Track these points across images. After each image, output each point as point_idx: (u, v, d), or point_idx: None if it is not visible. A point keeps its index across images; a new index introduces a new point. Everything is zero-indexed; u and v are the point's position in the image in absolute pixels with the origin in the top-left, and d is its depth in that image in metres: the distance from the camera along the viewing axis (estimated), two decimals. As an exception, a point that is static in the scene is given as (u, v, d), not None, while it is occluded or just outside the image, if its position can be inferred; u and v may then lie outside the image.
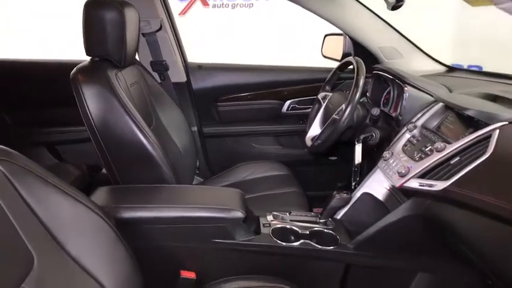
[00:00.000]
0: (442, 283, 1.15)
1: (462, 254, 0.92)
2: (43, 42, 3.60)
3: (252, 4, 4.22)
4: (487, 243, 0.82)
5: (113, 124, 1.17)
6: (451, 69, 1.67)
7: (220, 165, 1.87)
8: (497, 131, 0.90)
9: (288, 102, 1.93)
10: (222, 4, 4.28)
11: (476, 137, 0.94)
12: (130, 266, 0.85)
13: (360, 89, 1.26)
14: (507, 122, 0.91)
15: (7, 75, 1.92)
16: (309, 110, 1.77)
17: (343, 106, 1.32)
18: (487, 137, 0.91)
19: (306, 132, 1.58)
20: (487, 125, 0.94)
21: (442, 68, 1.67)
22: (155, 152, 1.21)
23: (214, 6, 4.29)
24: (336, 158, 1.94)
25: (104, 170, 1.85)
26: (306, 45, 3.38)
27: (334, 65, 1.76)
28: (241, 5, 4.26)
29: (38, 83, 1.92)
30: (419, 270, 1.15)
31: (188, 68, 1.88)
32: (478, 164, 0.87)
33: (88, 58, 1.28)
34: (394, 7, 1.11)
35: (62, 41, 2.63)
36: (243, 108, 1.95)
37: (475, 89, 1.23)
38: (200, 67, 1.91)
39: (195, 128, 1.89)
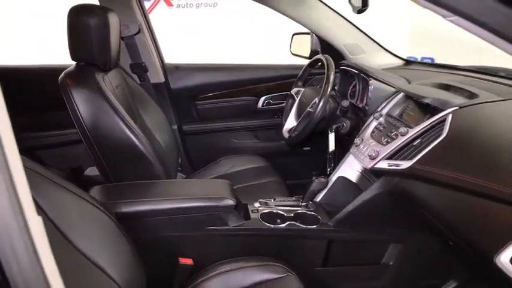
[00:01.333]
0: (411, 252, 1.30)
1: (428, 223, 1.07)
2: (43, 43, 3.50)
3: (217, 3, 4.28)
4: (449, 210, 0.96)
5: (104, 125, 1.23)
6: (408, 62, 1.84)
7: (201, 161, 1.95)
8: (450, 115, 1.05)
9: (262, 98, 2.04)
10: (187, 4, 4.31)
11: (433, 121, 1.09)
12: (133, 257, 0.92)
13: (330, 84, 1.39)
14: (458, 107, 1.07)
15: None
16: (283, 104, 1.89)
17: (316, 99, 1.45)
18: (442, 121, 1.06)
19: (282, 126, 1.70)
20: (442, 110, 1.10)
21: (400, 62, 1.84)
22: (146, 149, 1.28)
23: (178, 6, 4.31)
24: (309, 148, 2.07)
25: (86, 172, 1.89)
26: (270, 43, 3.50)
27: (302, 61, 1.89)
28: (206, 5, 4.30)
29: (15, 89, 1.91)
30: (392, 241, 1.29)
31: (166, 69, 1.95)
32: (436, 144, 1.02)
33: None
34: (360, 11, 1.25)
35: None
36: (221, 106, 2.04)
37: (430, 79, 1.40)
38: (177, 68, 1.98)
39: (175, 126, 1.97)
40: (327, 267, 1.29)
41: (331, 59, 1.47)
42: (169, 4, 4.29)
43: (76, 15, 1.24)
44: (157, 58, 1.90)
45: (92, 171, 1.86)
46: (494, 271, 0.77)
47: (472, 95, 1.15)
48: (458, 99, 1.13)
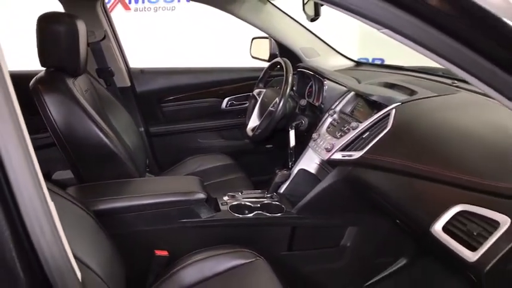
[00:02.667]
0: (366, 233, 1.45)
1: (378, 205, 1.22)
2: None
3: (175, 7, 4.31)
4: (394, 192, 1.10)
5: (77, 128, 1.28)
6: (358, 63, 2.02)
7: (168, 161, 2.02)
8: (394, 110, 1.21)
9: (226, 99, 2.14)
10: (144, 8, 4.30)
11: (379, 116, 1.25)
12: (112, 251, 0.99)
13: (289, 85, 1.52)
14: (400, 103, 1.23)
15: None
16: (246, 105, 2.01)
17: (277, 99, 1.57)
18: (387, 115, 1.22)
19: (245, 125, 1.81)
20: (386, 106, 1.26)
21: (351, 63, 2.01)
22: (118, 150, 1.34)
23: (136, 10, 4.29)
24: (272, 146, 2.19)
25: (53, 177, 1.91)
26: (228, 46, 3.60)
27: (261, 64, 2.01)
28: (164, 8, 4.32)
29: None
30: (349, 225, 1.44)
31: (131, 73, 2.00)
32: (382, 136, 1.18)
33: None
34: (313, 19, 1.38)
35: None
36: (186, 107, 2.12)
37: (377, 79, 1.56)
38: (142, 71, 2.04)
39: (141, 129, 2.02)
40: (292, 251, 1.41)
41: (289, 62, 1.60)
42: (127, 8, 4.27)
43: (45, 23, 1.28)
44: (122, 63, 1.95)
45: (59, 175, 1.87)
46: (432, 241, 0.91)
47: (412, 92, 1.32)
48: (401, 96, 1.30)
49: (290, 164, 1.60)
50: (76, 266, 0.51)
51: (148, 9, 4.29)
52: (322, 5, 1.28)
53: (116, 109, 1.69)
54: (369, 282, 1.51)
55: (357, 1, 0.54)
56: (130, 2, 4.18)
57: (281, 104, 1.51)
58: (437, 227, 0.89)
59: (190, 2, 1.73)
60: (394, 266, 1.50)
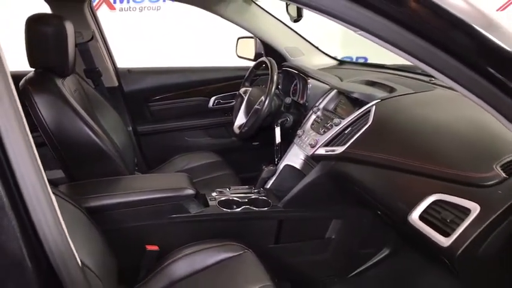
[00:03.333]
0: (350, 225, 1.51)
1: (360, 198, 1.27)
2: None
3: (160, 7, 4.32)
4: (375, 184, 1.16)
5: (67, 128, 1.31)
6: (341, 62, 2.08)
7: (156, 160, 2.05)
8: (374, 107, 1.27)
9: (213, 98, 2.18)
10: (129, 8, 4.30)
11: (360, 112, 1.31)
12: (105, 247, 1.02)
13: (274, 83, 1.57)
14: (380, 100, 1.29)
15: None
16: (232, 103, 2.05)
17: (263, 98, 1.62)
18: (368, 111, 1.28)
19: (232, 123, 1.86)
20: (367, 103, 1.32)
21: (334, 62, 2.07)
22: (107, 148, 1.37)
23: (121, 9, 4.29)
24: (258, 143, 2.24)
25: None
26: (213, 45, 3.63)
27: (247, 63, 2.06)
28: (149, 8, 4.32)
29: None
30: (333, 217, 1.49)
31: (119, 73, 2.02)
32: (363, 131, 1.24)
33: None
34: (296, 20, 1.43)
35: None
36: (173, 106, 2.15)
37: (359, 77, 1.62)
38: (129, 71, 2.06)
39: (130, 128, 2.04)
40: (279, 244, 1.46)
41: (274, 61, 1.65)
42: (112, 8, 4.26)
43: (34, 25, 1.30)
44: (110, 63, 1.97)
45: (50, 174, 1.88)
46: (410, 229, 0.97)
47: (392, 89, 1.38)
48: (381, 93, 1.36)
49: (276, 160, 1.65)
50: (75, 251, 0.55)
51: (134, 9, 4.29)
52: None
53: (104, 109, 1.71)
54: (353, 272, 1.57)
55: (326, 2, 0.57)
56: (115, 2, 4.17)
57: (267, 102, 1.56)
58: (414, 216, 0.95)
59: (176, 2, 1.75)
60: (377, 257, 1.57)
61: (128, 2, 4.21)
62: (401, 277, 1.53)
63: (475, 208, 0.84)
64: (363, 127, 1.25)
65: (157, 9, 4.32)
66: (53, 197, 0.52)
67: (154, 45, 4.09)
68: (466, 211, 0.85)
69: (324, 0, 0.57)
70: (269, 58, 1.68)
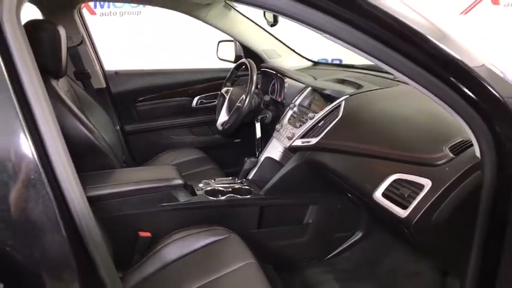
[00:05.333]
0: (325, 211, 1.65)
1: (333, 183, 1.41)
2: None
3: (140, 12, 4.39)
4: (345, 169, 1.29)
5: (63, 126, 1.38)
6: (316, 63, 2.23)
7: (143, 157, 2.14)
8: (344, 101, 1.42)
9: (196, 98, 2.30)
10: (110, 12, 4.35)
11: (331, 107, 1.45)
12: (101, 233, 1.12)
13: (254, 83, 1.70)
14: (349, 95, 1.44)
15: None
16: (215, 103, 2.17)
17: (243, 96, 1.75)
18: (338, 106, 1.43)
19: (215, 121, 1.98)
20: (338, 98, 1.46)
21: (309, 63, 2.23)
22: (100, 144, 1.47)
23: (102, 14, 4.34)
24: (239, 140, 2.36)
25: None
26: (193, 48, 3.74)
27: (227, 65, 2.19)
28: (130, 13, 4.39)
29: None
30: (310, 203, 1.63)
31: (106, 75, 2.12)
32: (334, 124, 1.38)
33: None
34: (272, 25, 1.57)
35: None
36: (159, 106, 2.26)
37: (331, 76, 1.77)
38: (117, 74, 2.16)
39: (117, 127, 2.14)
40: (261, 229, 1.58)
41: (253, 63, 1.78)
42: (92, 12, 4.31)
43: (31, 30, 1.38)
44: (98, 66, 2.06)
45: None
46: (375, 206, 1.11)
47: (359, 86, 1.54)
48: (349, 90, 1.51)
49: (257, 153, 1.78)
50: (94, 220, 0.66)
51: (114, 13, 4.35)
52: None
53: (94, 109, 1.80)
54: (330, 255, 1.72)
55: (273, 1, 0.66)
56: (95, 7, 4.21)
57: (247, 100, 1.69)
58: (378, 194, 1.10)
59: (160, 8, 1.86)
60: (351, 240, 1.72)
61: (109, 6, 4.26)
62: (372, 257, 1.68)
63: (427, 183, 0.99)
64: (334, 120, 1.40)
65: (138, 14, 4.39)
66: (76, 174, 0.64)
67: (135, 48, 4.15)
68: (420, 186, 1.00)
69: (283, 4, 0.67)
70: (249, 60, 1.81)
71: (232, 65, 2.10)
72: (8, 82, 0.59)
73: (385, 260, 1.64)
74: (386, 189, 1.08)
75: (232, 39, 2.14)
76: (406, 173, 1.05)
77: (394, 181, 1.07)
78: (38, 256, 0.61)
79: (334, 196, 1.61)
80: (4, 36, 0.60)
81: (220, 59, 2.29)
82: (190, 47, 3.92)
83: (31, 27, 1.38)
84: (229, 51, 2.19)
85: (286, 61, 2.14)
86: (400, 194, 1.05)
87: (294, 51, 2.22)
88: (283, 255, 1.66)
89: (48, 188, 0.60)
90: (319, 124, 1.46)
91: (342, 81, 1.67)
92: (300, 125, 1.55)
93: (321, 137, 1.39)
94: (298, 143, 1.50)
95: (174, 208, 1.43)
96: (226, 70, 2.25)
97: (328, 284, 1.62)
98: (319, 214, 1.64)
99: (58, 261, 0.63)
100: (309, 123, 1.49)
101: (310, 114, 1.52)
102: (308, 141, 1.45)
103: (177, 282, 1.19)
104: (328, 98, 1.55)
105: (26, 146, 0.59)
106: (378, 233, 1.72)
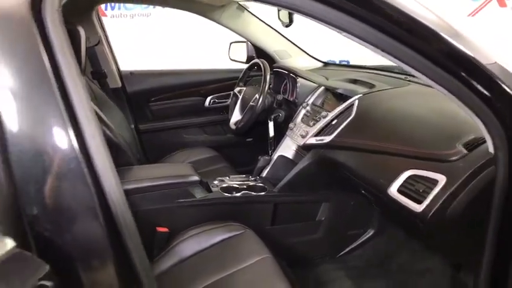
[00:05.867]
0: (338, 208, 1.67)
1: (347, 181, 1.43)
2: None
3: (150, 14, 4.44)
4: (359, 166, 1.32)
5: None
6: (326, 64, 2.26)
7: (157, 156, 2.18)
8: (357, 100, 1.45)
9: (209, 98, 2.34)
10: (120, 14, 4.42)
11: (345, 106, 1.48)
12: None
13: (267, 83, 1.74)
14: (362, 95, 1.47)
15: None
16: (227, 102, 2.21)
17: (257, 96, 1.78)
18: (351, 105, 1.45)
19: (227, 121, 2.02)
20: (350, 97, 1.49)
21: (320, 64, 2.26)
22: (119, 141, 1.50)
23: (112, 16, 4.40)
24: (251, 139, 2.40)
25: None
26: (202, 48, 3.78)
27: (238, 66, 2.22)
28: (140, 15, 4.44)
29: None
30: (323, 201, 1.65)
31: (122, 75, 2.16)
32: (348, 122, 1.41)
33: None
34: (287, 25, 1.60)
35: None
36: (172, 106, 2.30)
37: (342, 76, 1.80)
38: (132, 74, 2.21)
39: (132, 126, 2.18)
40: (275, 226, 1.61)
41: (266, 63, 1.82)
42: (103, 14, 4.37)
43: None
44: (114, 66, 2.11)
45: None
46: (390, 202, 1.14)
47: (371, 86, 1.56)
48: (362, 89, 1.54)
49: (270, 151, 1.81)
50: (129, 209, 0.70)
51: (125, 15, 4.41)
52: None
53: (110, 108, 1.84)
54: (342, 252, 1.74)
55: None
56: (106, 9, 4.27)
57: (261, 99, 1.72)
58: (393, 189, 1.12)
59: (176, 9, 1.90)
60: (363, 237, 1.74)
61: (119, 8, 4.32)
62: (384, 254, 1.70)
63: (442, 179, 1.01)
64: (347, 118, 1.42)
65: (148, 16, 4.44)
66: (112, 164, 0.67)
67: (145, 49, 4.20)
68: (435, 182, 1.02)
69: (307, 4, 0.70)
70: (262, 60, 1.85)
71: (244, 66, 2.14)
72: (52, 78, 0.62)
73: (397, 257, 1.66)
74: (402, 185, 1.11)
75: (244, 40, 2.18)
76: (420, 169, 1.08)
77: (409, 177, 1.10)
78: (76, 241, 0.65)
79: (346, 193, 1.64)
80: (47, 33, 0.63)
81: (231, 59, 2.32)
82: (199, 47, 3.97)
83: None
84: (240, 52, 2.23)
85: (297, 62, 2.17)
86: (415, 189, 1.07)
87: (304, 52, 2.25)
88: (296, 251, 1.69)
89: (88, 177, 0.63)
90: (333, 123, 1.49)
91: (354, 81, 1.70)
92: (314, 124, 1.58)
93: (335, 135, 1.42)
94: (312, 141, 1.52)
95: (190, 204, 1.46)
96: (237, 71, 2.29)
97: (340, 281, 1.64)
98: (332, 211, 1.66)
99: (96, 247, 0.67)
100: (323, 122, 1.52)
101: (324, 113, 1.55)
102: (322, 139, 1.48)
103: (195, 277, 1.22)
104: (341, 97, 1.58)
105: (67, 138, 0.62)
106: (389, 230, 1.74)
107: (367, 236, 1.75)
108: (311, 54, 2.26)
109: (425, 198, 1.03)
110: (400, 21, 0.69)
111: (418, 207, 1.04)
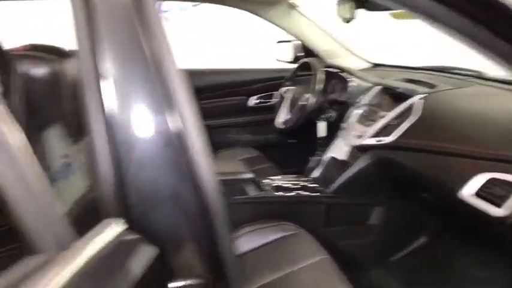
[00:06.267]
0: (392, 212, 1.61)
1: (406, 184, 1.38)
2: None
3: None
4: (425, 169, 1.26)
5: None
6: (375, 65, 2.20)
7: None
8: (422, 100, 1.39)
9: (252, 98, 2.32)
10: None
11: (406, 106, 1.43)
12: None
13: (320, 82, 1.70)
14: (425, 94, 1.41)
15: None
16: (270, 102, 2.20)
17: (307, 95, 1.75)
18: (413, 105, 1.40)
19: (272, 120, 1.99)
20: (411, 97, 1.44)
21: (369, 64, 2.20)
22: None
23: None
24: (295, 140, 2.36)
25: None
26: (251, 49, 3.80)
27: (281, 65, 2.21)
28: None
29: None
30: (377, 204, 1.60)
31: None
32: (412, 122, 1.35)
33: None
34: (348, 21, 1.55)
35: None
36: (215, 105, 2.29)
37: (397, 76, 1.75)
38: None
39: None
40: (326, 227, 1.57)
41: (318, 62, 1.78)
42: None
43: None
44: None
45: None
46: (460, 206, 1.08)
47: (432, 86, 1.50)
48: (423, 89, 1.48)
49: (319, 152, 1.77)
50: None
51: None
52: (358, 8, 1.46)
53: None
54: (394, 258, 1.67)
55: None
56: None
57: (313, 98, 1.69)
58: (465, 192, 1.06)
59: (226, 6, 1.90)
60: (417, 243, 1.66)
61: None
62: (439, 262, 1.62)
63: None
64: (410, 118, 1.37)
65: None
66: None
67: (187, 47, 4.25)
68: None
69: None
70: (313, 59, 1.82)
71: (288, 66, 2.11)
72: (152, 66, 0.61)
73: (454, 265, 1.58)
74: (477, 188, 1.05)
75: (290, 39, 2.15)
76: (499, 172, 1.02)
77: (488, 180, 1.04)
78: (171, 225, 0.64)
79: (401, 197, 1.57)
80: (149, 25, 0.62)
81: (277, 60, 2.30)
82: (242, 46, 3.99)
83: None
84: (287, 52, 2.20)
85: (345, 62, 2.12)
86: (491, 193, 1.01)
87: (352, 52, 2.20)
88: (347, 254, 1.64)
89: (184, 165, 0.62)
90: (392, 123, 1.43)
91: (413, 81, 1.64)
92: (370, 124, 1.52)
93: (397, 136, 1.37)
94: (370, 141, 1.47)
95: (244, 201, 1.44)
96: (281, 70, 2.27)
97: (391, 287, 1.58)
98: (385, 215, 1.61)
99: (189, 232, 0.65)
100: (381, 122, 1.47)
101: (381, 113, 1.49)
102: (381, 140, 1.43)
103: (251, 275, 1.20)
104: (399, 97, 1.52)
105: (167, 124, 0.61)
106: (446, 237, 1.66)
107: (422, 242, 1.67)
108: (359, 55, 2.21)
109: (504, 201, 0.97)
110: None
111: (498, 211, 0.97)
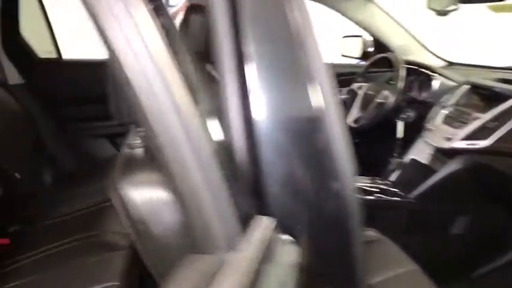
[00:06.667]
0: (479, 222, 1.48)
1: (499, 193, 1.25)
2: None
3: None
4: None
5: None
6: (452, 63, 2.05)
7: None
8: None
9: None
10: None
11: (506, 107, 1.29)
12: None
13: (402, 78, 1.58)
14: None
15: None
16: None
17: (384, 92, 1.64)
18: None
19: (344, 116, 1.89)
20: (509, 97, 1.30)
21: (444, 63, 2.05)
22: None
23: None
24: (358, 140, 2.25)
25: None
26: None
27: (348, 61, 2.10)
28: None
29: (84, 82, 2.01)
30: (462, 213, 1.47)
31: None
32: None
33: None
34: (444, 14, 1.42)
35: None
36: None
37: (484, 76, 1.60)
38: None
39: None
40: (408, 235, 1.46)
41: (399, 57, 1.66)
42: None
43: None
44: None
45: None
46: None
47: None
48: None
49: (398, 154, 1.66)
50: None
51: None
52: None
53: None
54: (478, 272, 1.54)
55: None
56: None
57: (394, 96, 1.58)
58: None
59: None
60: (505, 258, 1.52)
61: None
62: None
63: None
64: (510, 121, 1.24)
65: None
66: None
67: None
68: None
69: None
70: (394, 54, 1.70)
71: (356, 61, 2.01)
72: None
73: None
74: None
75: (358, 34, 2.04)
76: None
77: None
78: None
79: (490, 207, 1.44)
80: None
81: (343, 55, 2.19)
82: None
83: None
84: (354, 47, 2.10)
85: (420, 58, 1.98)
86: None
87: (427, 49, 2.06)
88: (428, 265, 1.53)
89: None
90: (489, 125, 1.30)
91: (504, 81, 1.49)
92: (460, 126, 1.40)
93: (495, 140, 1.24)
94: (460, 145, 1.35)
95: None
96: (347, 66, 2.16)
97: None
98: (472, 225, 1.48)
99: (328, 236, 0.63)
100: (475, 124, 1.34)
101: (475, 115, 1.36)
102: (475, 144, 1.30)
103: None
104: (495, 98, 1.38)
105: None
106: None
107: (510, 258, 1.53)
108: (434, 52, 2.07)
109: None
110: None
111: None
